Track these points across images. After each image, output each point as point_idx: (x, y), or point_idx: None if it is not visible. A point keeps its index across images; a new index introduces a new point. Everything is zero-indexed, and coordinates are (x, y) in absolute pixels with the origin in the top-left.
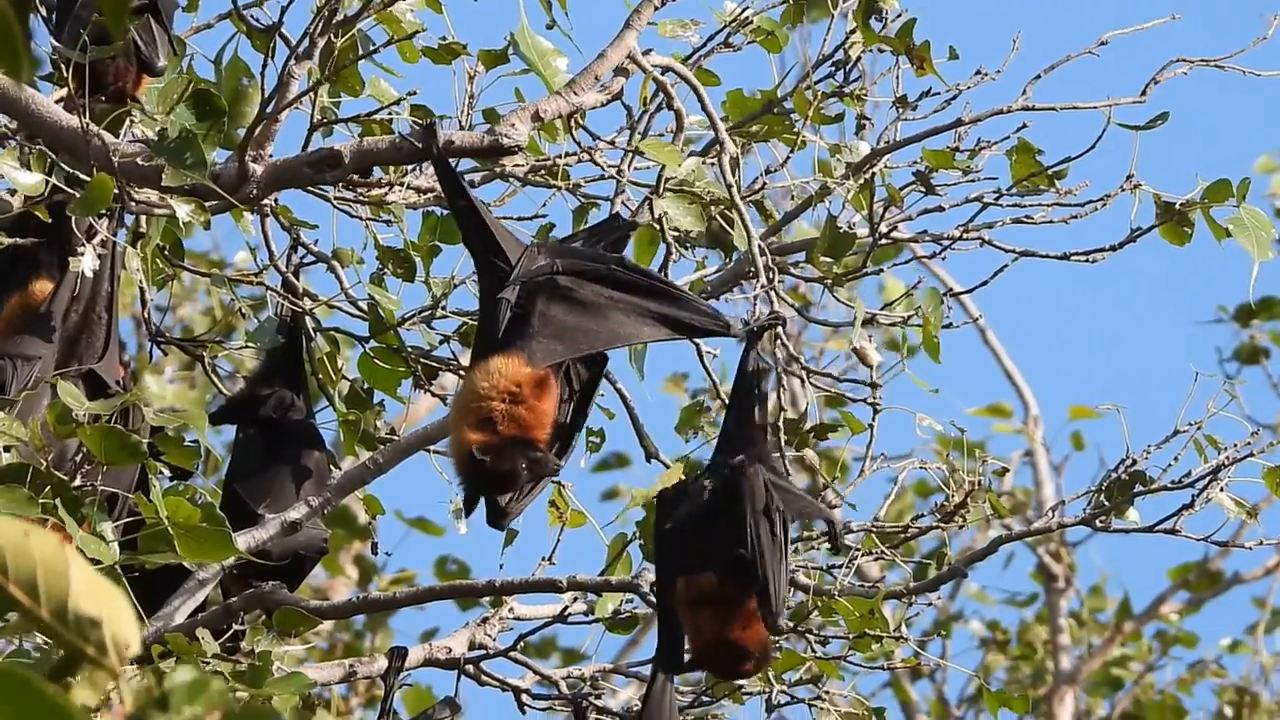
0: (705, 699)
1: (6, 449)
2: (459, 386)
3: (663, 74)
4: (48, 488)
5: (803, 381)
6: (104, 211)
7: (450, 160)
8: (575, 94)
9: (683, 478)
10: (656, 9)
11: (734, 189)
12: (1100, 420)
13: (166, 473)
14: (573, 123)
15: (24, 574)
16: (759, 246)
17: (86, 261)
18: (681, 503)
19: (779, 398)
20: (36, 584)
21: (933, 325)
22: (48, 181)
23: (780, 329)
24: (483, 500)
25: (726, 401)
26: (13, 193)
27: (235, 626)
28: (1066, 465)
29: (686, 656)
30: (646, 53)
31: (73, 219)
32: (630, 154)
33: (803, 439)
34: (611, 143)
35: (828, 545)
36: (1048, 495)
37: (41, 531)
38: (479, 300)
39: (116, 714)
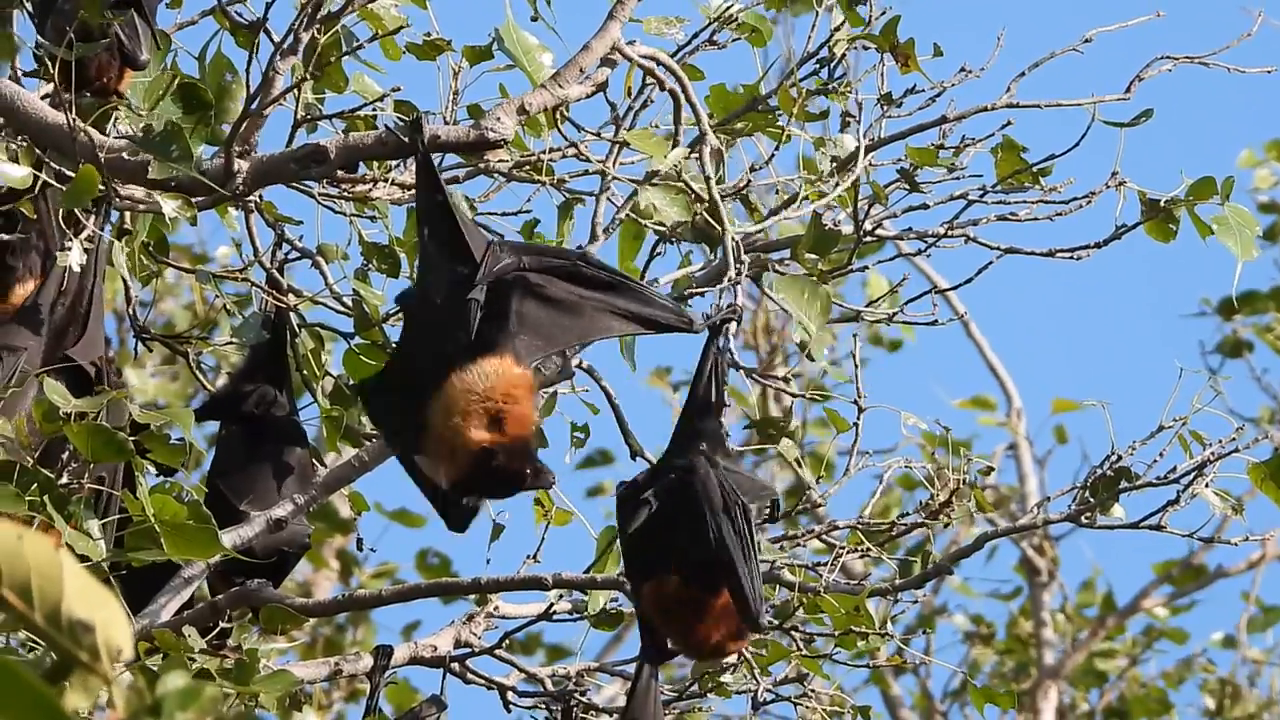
0: (690, 695)
1: None
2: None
3: (657, 67)
4: (35, 485)
5: (750, 379)
6: (90, 207)
7: (435, 156)
8: (560, 86)
9: (635, 478)
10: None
11: (711, 181)
12: (1084, 414)
13: (153, 470)
14: (558, 116)
15: (18, 578)
16: (731, 237)
17: (74, 256)
18: (640, 505)
19: (721, 389)
20: (30, 588)
21: (811, 322)
22: (35, 176)
23: (735, 323)
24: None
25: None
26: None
27: (221, 624)
28: (1050, 459)
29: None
30: (630, 43)
31: (59, 213)
32: (616, 147)
33: (772, 437)
34: (597, 134)
35: (769, 517)
36: (1031, 489)
37: (35, 535)
38: (424, 294)
39: (109, 719)
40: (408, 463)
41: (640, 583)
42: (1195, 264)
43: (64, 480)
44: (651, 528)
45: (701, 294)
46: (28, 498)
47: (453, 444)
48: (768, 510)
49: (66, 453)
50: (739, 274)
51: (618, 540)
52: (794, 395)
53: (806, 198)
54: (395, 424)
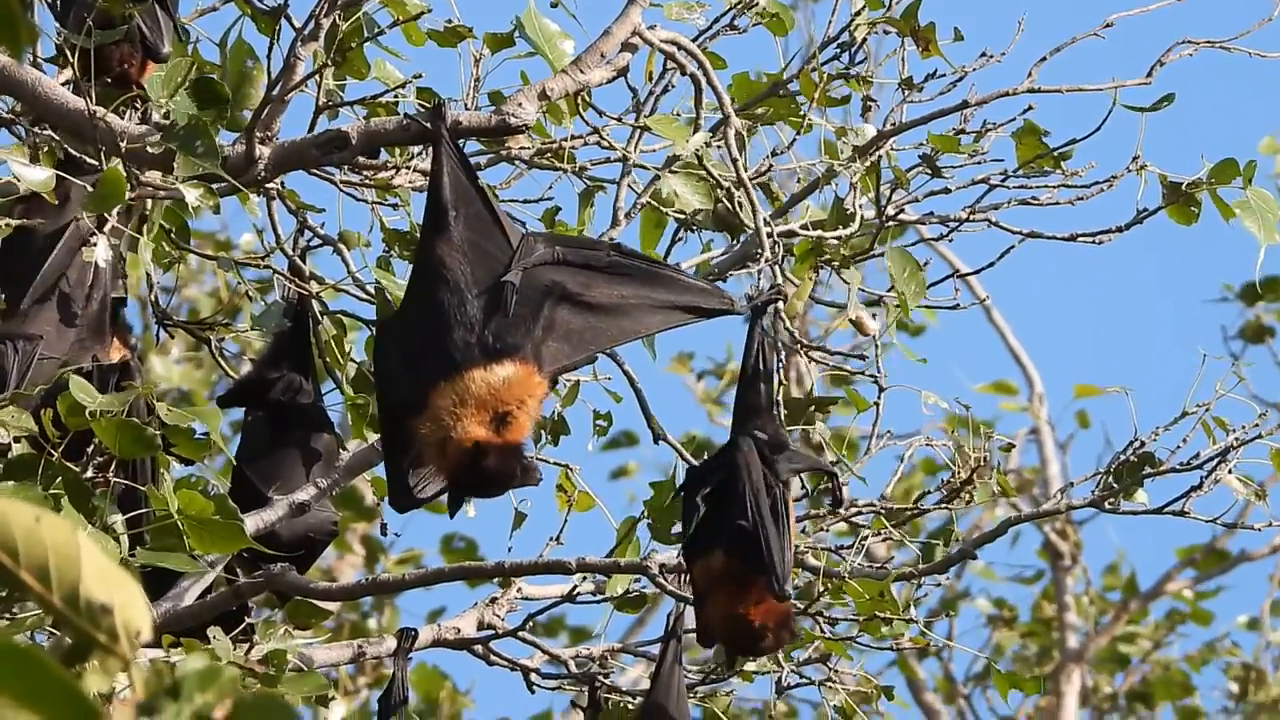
0: (714, 678)
1: (16, 440)
2: (452, 376)
3: (678, 51)
4: (59, 479)
5: (804, 357)
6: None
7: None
8: (581, 71)
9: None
10: None
11: (739, 163)
12: (1106, 398)
13: (178, 464)
14: (579, 101)
15: (35, 560)
16: (763, 219)
17: (100, 252)
18: (704, 480)
19: (778, 371)
20: (48, 570)
21: (909, 295)
22: (58, 177)
23: (781, 303)
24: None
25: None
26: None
27: (248, 619)
28: (1072, 443)
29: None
30: (651, 28)
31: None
32: (638, 132)
33: (807, 416)
34: (619, 119)
35: (829, 502)
36: (1053, 473)
37: (52, 517)
38: (447, 263)
39: (127, 701)
40: (389, 421)
41: (694, 561)
42: (1217, 250)
43: (88, 474)
44: (707, 503)
45: (724, 279)
46: (51, 492)
47: (448, 433)
48: (827, 484)
49: (91, 446)
50: (775, 254)
51: (649, 517)
52: (852, 361)
53: (827, 184)
54: (397, 380)
